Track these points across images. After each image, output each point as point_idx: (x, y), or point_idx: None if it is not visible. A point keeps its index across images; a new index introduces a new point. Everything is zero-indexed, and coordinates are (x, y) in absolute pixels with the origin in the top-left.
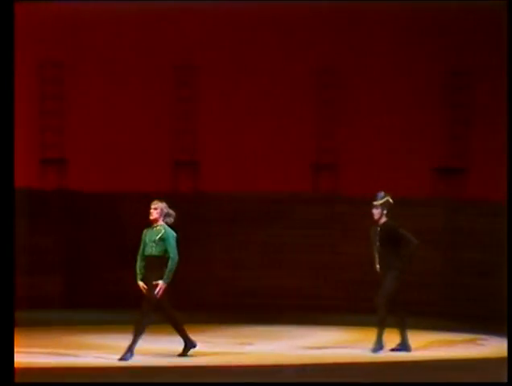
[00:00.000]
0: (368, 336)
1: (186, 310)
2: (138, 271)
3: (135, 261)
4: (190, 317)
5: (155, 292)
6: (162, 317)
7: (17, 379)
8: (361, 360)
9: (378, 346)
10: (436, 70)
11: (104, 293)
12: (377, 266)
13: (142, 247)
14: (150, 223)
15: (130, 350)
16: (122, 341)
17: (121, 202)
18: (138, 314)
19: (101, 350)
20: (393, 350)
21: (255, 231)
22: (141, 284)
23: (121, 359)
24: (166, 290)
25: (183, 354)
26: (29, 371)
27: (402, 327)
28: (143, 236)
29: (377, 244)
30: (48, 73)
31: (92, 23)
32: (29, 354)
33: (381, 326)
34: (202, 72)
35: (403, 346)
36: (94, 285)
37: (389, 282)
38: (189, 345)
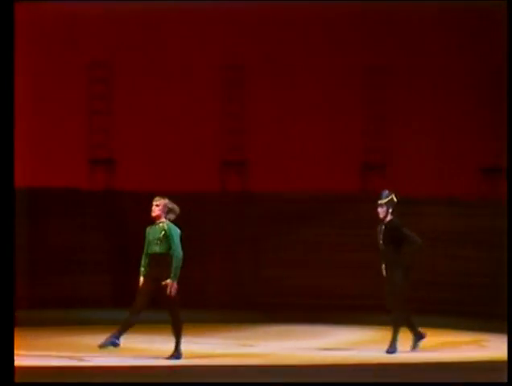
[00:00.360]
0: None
1: (233, 308)
2: (141, 268)
3: (140, 260)
4: (236, 316)
5: (168, 292)
6: (168, 314)
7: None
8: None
9: (393, 347)
10: (485, 69)
11: None
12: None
13: (145, 245)
14: (152, 221)
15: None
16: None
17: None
18: (131, 313)
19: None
20: (389, 352)
21: (303, 230)
22: (141, 280)
23: (171, 358)
24: (178, 289)
25: (171, 357)
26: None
27: (411, 324)
28: (146, 233)
29: (381, 242)
30: (96, 73)
31: (139, 23)
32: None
33: (399, 326)
34: (250, 72)
35: (393, 347)
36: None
37: (398, 283)
38: (178, 353)
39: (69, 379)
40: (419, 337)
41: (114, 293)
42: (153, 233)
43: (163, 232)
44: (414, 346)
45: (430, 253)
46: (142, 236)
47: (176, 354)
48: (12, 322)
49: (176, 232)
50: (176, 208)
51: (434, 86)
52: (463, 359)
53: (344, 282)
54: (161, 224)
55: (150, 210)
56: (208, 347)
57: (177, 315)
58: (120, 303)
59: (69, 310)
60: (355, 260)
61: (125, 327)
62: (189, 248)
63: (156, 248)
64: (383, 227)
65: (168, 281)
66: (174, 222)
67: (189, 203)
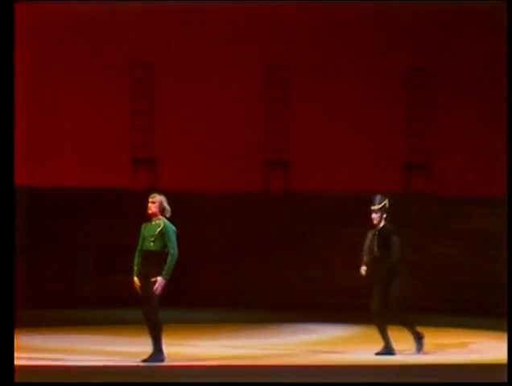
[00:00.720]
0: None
1: (275, 308)
2: (135, 267)
3: (134, 257)
4: (277, 316)
5: (154, 288)
6: (144, 313)
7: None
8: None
9: (419, 346)
10: None
11: (197, 292)
12: (364, 268)
13: (140, 242)
14: (148, 218)
15: (159, 351)
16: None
17: (211, 200)
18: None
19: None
20: (378, 354)
21: (345, 230)
22: (136, 280)
23: (147, 361)
24: (164, 287)
25: (147, 360)
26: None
27: (385, 331)
28: (141, 230)
29: (375, 249)
30: (138, 74)
31: (182, 23)
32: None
33: (411, 328)
34: (293, 72)
35: (388, 349)
36: (184, 285)
37: (395, 291)
38: (158, 355)
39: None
40: (388, 348)
41: (160, 293)
42: (149, 230)
43: (159, 229)
44: (383, 352)
45: (473, 254)
46: (185, 236)
47: (156, 355)
48: (12, 322)
49: (173, 229)
50: (168, 208)
51: (474, 85)
52: None
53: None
54: (157, 221)
55: (197, 210)
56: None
57: (156, 314)
58: (166, 302)
59: (110, 309)
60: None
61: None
62: (231, 247)
63: (150, 245)
64: (377, 233)
65: (159, 278)
66: (169, 219)
67: (231, 203)
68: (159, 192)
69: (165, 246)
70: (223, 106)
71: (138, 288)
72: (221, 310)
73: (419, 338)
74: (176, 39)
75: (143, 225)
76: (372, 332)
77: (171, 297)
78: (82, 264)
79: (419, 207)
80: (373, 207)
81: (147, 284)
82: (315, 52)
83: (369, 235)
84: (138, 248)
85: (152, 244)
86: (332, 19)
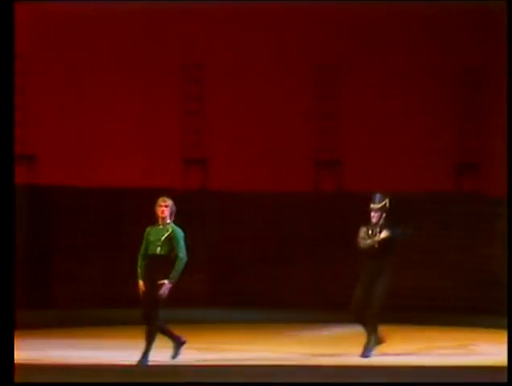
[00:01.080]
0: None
1: (328, 309)
2: (138, 270)
3: (137, 261)
4: (327, 316)
5: (161, 292)
6: (144, 316)
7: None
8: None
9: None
10: None
11: (247, 292)
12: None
13: (144, 246)
14: (154, 221)
15: (146, 353)
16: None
17: (263, 200)
18: (148, 321)
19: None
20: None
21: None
22: (140, 283)
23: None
24: (169, 292)
25: (140, 360)
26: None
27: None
28: (146, 234)
29: (376, 246)
30: (190, 75)
31: (233, 24)
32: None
33: (375, 331)
34: (344, 72)
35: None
36: (236, 284)
37: (381, 290)
38: (146, 357)
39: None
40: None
41: (209, 292)
42: (155, 234)
43: (167, 234)
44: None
45: None
46: (236, 236)
47: (145, 358)
48: (12, 322)
49: (181, 234)
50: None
51: None
52: None
53: (435, 283)
54: (166, 226)
55: (249, 209)
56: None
57: (157, 317)
58: (214, 302)
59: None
60: (446, 261)
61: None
62: (282, 247)
63: (157, 250)
64: (378, 229)
65: (166, 281)
66: (175, 223)
67: (283, 202)
68: (167, 196)
69: (171, 250)
70: (274, 106)
71: (141, 291)
72: (270, 310)
73: (378, 342)
74: (227, 39)
75: (148, 229)
76: (416, 331)
77: (220, 297)
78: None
79: (468, 207)
80: (373, 206)
81: (153, 287)
82: (366, 52)
83: (364, 229)
84: (142, 251)
85: (159, 248)
86: (384, 19)
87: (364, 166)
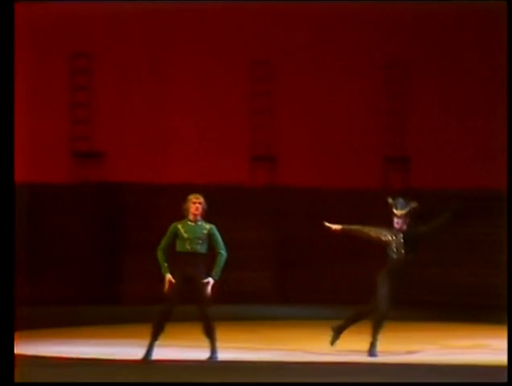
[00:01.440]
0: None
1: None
2: (164, 264)
3: (159, 255)
4: (396, 313)
5: (209, 291)
6: (202, 315)
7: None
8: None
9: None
10: None
11: (313, 288)
12: (336, 226)
13: (167, 240)
14: (182, 218)
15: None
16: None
17: (329, 198)
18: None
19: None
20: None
21: (464, 228)
22: (169, 278)
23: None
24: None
25: (144, 358)
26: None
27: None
28: (173, 229)
29: (402, 251)
30: (257, 72)
31: (299, 21)
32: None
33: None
34: (414, 70)
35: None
36: (302, 280)
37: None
38: (151, 351)
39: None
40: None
41: (274, 289)
42: (192, 231)
43: (206, 231)
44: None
45: None
46: (305, 233)
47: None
48: (12, 321)
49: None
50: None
51: None
52: None
53: (497, 282)
54: (204, 223)
55: (317, 206)
56: None
57: (208, 314)
58: (282, 299)
59: (231, 305)
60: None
61: (158, 333)
62: (351, 244)
63: (198, 248)
64: (401, 235)
65: (210, 279)
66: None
67: (351, 199)
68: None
69: (209, 248)
70: (341, 103)
71: (169, 286)
72: (340, 307)
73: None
74: (295, 35)
75: (177, 225)
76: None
77: (288, 294)
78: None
79: None
80: (396, 212)
81: (197, 286)
82: (433, 50)
83: (388, 233)
84: (163, 246)
85: (199, 246)
86: (445, 18)
87: (432, 163)
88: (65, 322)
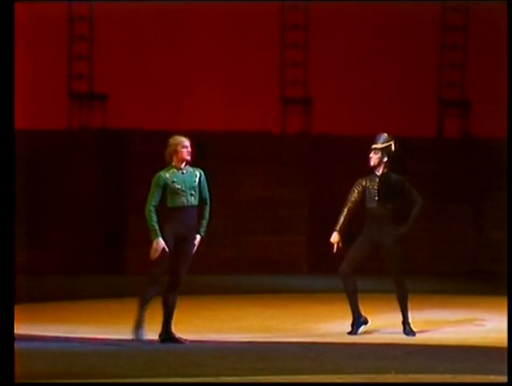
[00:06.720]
0: None
1: (446, 276)
2: (155, 225)
3: (151, 214)
4: (446, 285)
5: (194, 248)
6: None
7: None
8: None
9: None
10: None
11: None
12: (336, 236)
13: (157, 194)
14: (162, 166)
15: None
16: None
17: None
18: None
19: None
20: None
21: None
22: (161, 242)
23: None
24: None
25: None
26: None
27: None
28: (161, 181)
29: (376, 198)
30: (291, 19)
31: None
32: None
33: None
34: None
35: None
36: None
37: (395, 254)
38: (139, 331)
39: None
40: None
41: (311, 257)
42: (182, 182)
43: (197, 179)
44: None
45: None
46: (347, 187)
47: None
48: (12, 319)
49: None
50: None
51: None
52: None
53: None
54: (194, 170)
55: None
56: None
57: (181, 281)
58: (317, 268)
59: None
60: None
61: (145, 304)
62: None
63: (192, 200)
64: (376, 179)
65: (198, 237)
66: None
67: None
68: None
69: (200, 199)
70: (391, 34)
71: (159, 250)
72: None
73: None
74: None
75: (163, 175)
76: None
77: (324, 262)
78: (221, 222)
79: None
80: (373, 146)
81: (185, 244)
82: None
83: (362, 183)
84: (153, 202)
85: (193, 198)
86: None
87: (493, 107)
88: (65, 294)
